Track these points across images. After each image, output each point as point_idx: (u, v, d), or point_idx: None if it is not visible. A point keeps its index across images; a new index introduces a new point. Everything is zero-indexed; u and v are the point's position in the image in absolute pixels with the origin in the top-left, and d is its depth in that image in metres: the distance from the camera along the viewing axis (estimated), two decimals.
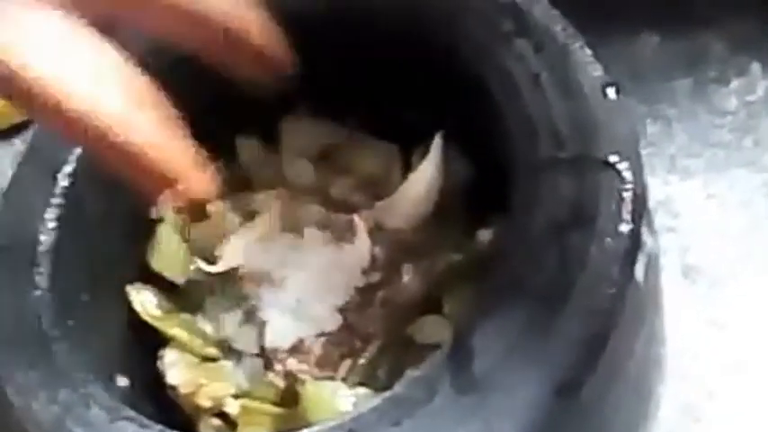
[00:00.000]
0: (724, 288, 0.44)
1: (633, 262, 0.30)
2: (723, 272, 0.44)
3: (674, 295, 0.37)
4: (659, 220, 0.45)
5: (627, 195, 0.31)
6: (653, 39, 0.50)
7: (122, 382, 0.39)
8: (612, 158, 0.31)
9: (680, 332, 0.40)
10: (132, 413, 0.34)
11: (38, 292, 0.37)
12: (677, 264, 0.44)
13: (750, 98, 0.47)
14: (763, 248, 0.44)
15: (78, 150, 0.39)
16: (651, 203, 0.44)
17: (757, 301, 0.43)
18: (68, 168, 0.39)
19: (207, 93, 0.42)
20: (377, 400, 0.33)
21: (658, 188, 0.46)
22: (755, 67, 0.48)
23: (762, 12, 0.48)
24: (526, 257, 0.31)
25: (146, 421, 0.33)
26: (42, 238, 0.38)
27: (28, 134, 0.41)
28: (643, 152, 0.46)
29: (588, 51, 0.34)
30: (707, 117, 0.47)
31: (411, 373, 0.34)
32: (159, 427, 0.33)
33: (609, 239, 0.30)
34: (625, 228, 0.30)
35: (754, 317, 0.43)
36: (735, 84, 0.48)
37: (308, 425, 0.32)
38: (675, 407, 0.41)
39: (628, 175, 0.31)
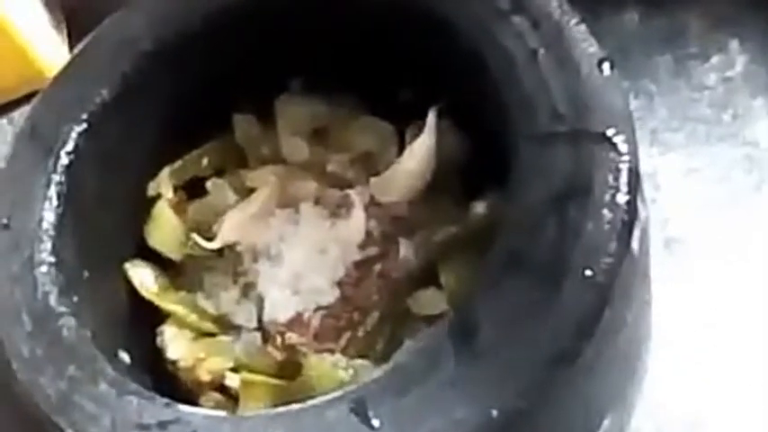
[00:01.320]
0: (702, 259, 0.45)
1: (630, 233, 0.31)
2: (702, 244, 0.45)
3: (655, 266, 0.38)
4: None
5: (623, 167, 0.32)
6: (635, 16, 0.51)
7: (124, 357, 0.39)
8: (609, 132, 0.32)
9: (659, 302, 0.41)
10: (137, 387, 0.34)
11: (43, 268, 0.37)
12: (658, 235, 0.45)
13: (729, 74, 0.48)
14: (742, 221, 0.45)
15: (78, 128, 0.40)
16: None
17: (733, 272, 0.44)
18: (69, 146, 0.40)
19: (203, 70, 0.42)
20: (379, 371, 0.34)
21: (642, 161, 0.47)
22: (734, 43, 0.49)
23: None
24: (525, 229, 0.31)
25: (151, 394, 0.34)
26: (45, 214, 0.38)
27: (27, 109, 0.41)
28: None
29: (583, 28, 0.34)
30: (687, 92, 0.48)
31: (413, 345, 0.35)
32: (164, 399, 0.33)
33: (606, 211, 0.31)
34: (622, 199, 0.31)
35: (730, 287, 0.44)
36: (714, 60, 0.49)
37: (309, 397, 0.33)
38: (659, 371, 0.42)
39: (624, 147, 0.32)
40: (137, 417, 0.33)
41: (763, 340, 0.44)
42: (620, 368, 0.35)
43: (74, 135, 0.40)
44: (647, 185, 0.46)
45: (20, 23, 0.55)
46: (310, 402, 0.32)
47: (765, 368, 0.43)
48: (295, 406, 0.32)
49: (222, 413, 0.34)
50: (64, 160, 0.39)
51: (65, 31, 0.61)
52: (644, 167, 0.47)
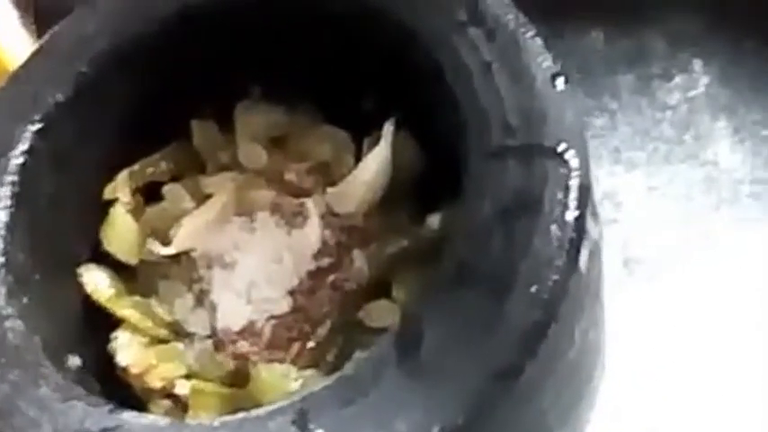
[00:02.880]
0: (662, 280, 0.45)
1: (578, 250, 0.31)
2: (662, 264, 0.45)
3: (614, 285, 0.38)
4: (603, 211, 0.46)
5: (573, 183, 0.31)
6: (600, 35, 0.51)
7: (74, 361, 0.39)
8: (560, 147, 0.32)
9: (617, 321, 0.41)
10: (83, 392, 0.34)
11: None
12: (618, 254, 0.45)
13: (691, 94, 0.49)
14: (701, 242, 0.45)
15: (32, 127, 0.39)
16: (596, 194, 0.46)
17: (693, 293, 0.44)
18: (22, 146, 0.39)
19: (163, 73, 0.42)
20: (326, 381, 0.33)
21: (603, 179, 0.47)
22: (697, 63, 0.49)
23: (703, 10, 0.49)
24: (473, 243, 0.31)
25: (96, 400, 0.33)
26: None
27: None
28: (590, 143, 0.48)
29: (539, 41, 0.34)
30: (650, 111, 0.49)
31: (359, 355, 0.35)
32: (109, 405, 0.33)
33: (554, 227, 0.31)
34: (570, 216, 0.31)
35: (690, 309, 0.44)
36: (677, 79, 0.49)
37: (258, 406, 0.33)
38: (614, 390, 0.42)
39: (574, 163, 0.32)
40: (79, 423, 0.33)
41: (720, 359, 0.44)
42: (569, 385, 0.35)
43: (27, 135, 0.39)
44: (608, 204, 0.47)
45: None
46: (254, 412, 0.32)
47: (722, 386, 0.43)
48: (238, 415, 0.32)
49: (165, 420, 0.33)
50: (17, 160, 0.39)
51: (34, 31, 0.60)
52: (605, 186, 0.47)
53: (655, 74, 0.49)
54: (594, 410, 0.39)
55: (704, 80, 0.49)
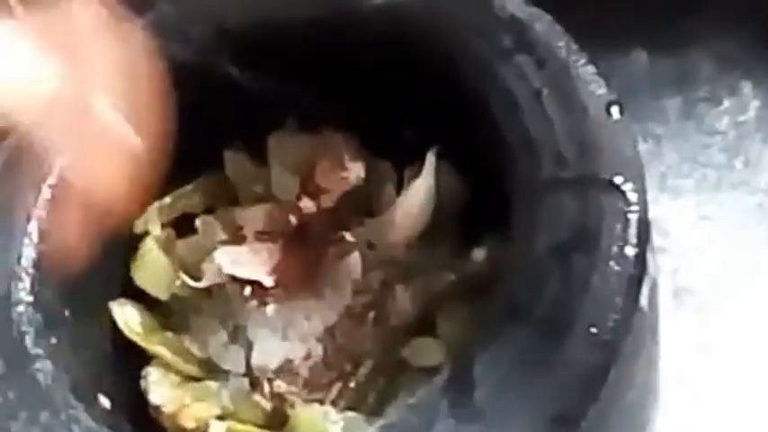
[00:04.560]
0: (713, 311, 0.43)
1: (639, 288, 0.29)
2: (712, 295, 0.43)
3: (664, 317, 0.37)
4: None
5: (632, 217, 0.30)
6: (643, 56, 0.49)
7: (104, 402, 0.37)
8: (617, 179, 0.31)
9: (668, 355, 0.40)
10: None
11: (20, 308, 0.36)
12: (667, 285, 0.43)
13: (741, 118, 0.47)
14: (753, 272, 0.44)
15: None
16: None
17: (745, 325, 0.43)
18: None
19: (195, 104, 0.41)
20: (370, 425, 0.32)
21: (650, 207, 0.45)
22: (746, 86, 0.48)
23: (751, 30, 0.48)
24: (527, 281, 0.30)
25: None
26: (25, 251, 0.37)
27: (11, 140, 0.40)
28: None
29: (591, 68, 0.33)
30: (697, 136, 0.47)
31: (407, 400, 0.34)
32: None
33: (613, 263, 0.29)
34: (631, 251, 0.29)
35: (741, 341, 0.42)
36: (726, 103, 0.48)
37: None
38: (666, 426, 0.40)
39: (633, 196, 0.30)
40: None
41: None
42: (625, 428, 0.33)
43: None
44: (654, 233, 0.45)
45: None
46: None
47: None
48: None
49: None
50: (47, 194, 0.38)
51: None
52: (652, 214, 0.46)
53: (701, 97, 0.48)
54: None
55: (754, 104, 0.47)
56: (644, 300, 0.30)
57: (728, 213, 0.45)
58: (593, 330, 0.28)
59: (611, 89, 0.33)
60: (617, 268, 0.29)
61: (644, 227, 0.30)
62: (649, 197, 0.45)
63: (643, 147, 0.47)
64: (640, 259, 0.29)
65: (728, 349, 0.43)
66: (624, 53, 0.50)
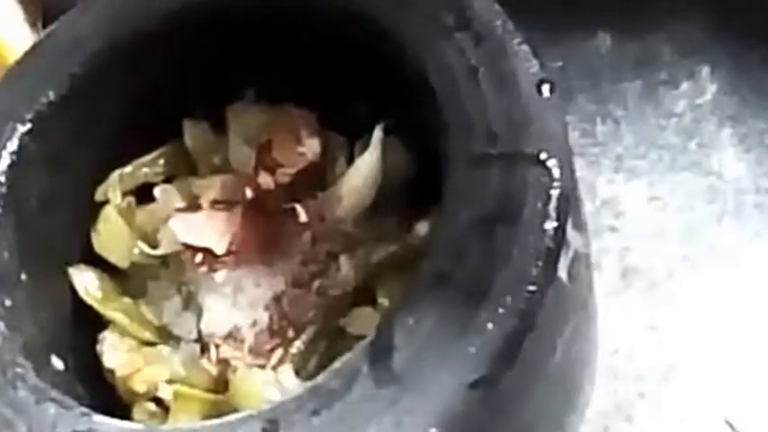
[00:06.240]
0: (660, 290, 0.44)
1: (556, 260, 0.30)
2: (660, 274, 0.44)
3: (611, 295, 0.37)
4: (602, 219, 0.45)
5: (554, 193, 0.31)
6: (607, 39, 0.50)
7: (58, 363, 0.38)
8: (542, 155, 0.31)
9: (615, 332, 0.40)
10: (58, 395, 0.34)
11: None
12: (616, 264, 0.44)
13: (698, 101, 0.48)
14: (701, 252, 0.44)
15: (23, 127, 0.39)
16: (596, 202, 0.45)
17: (692, 304, 0.43)
18: (12, 146, 0.39)
19: (156, 74, 0.42)
20: (300, 389, 0.33)
21: (604, 187, 0.46)
22: (704, 70, 0.48)
23: (711, 15, 0.48)
24: (450, 252, 0.31)
25: (70, 403, 0.33)
26: None
27: None
28: (591, 151, 0.47)
29: (526, 48, 0.34)
30: (654, 119, 0.48)
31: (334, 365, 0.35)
32: (82, 409, 0.33)
33: (533, 237, 0.30)
34: (549, 225, 0.30)
35: (689, 320, 0.43)
36: (684, 86, 0.48)
37: (236, 412, 0.32)
38: (608, 405, 0.41)
39: (556, 172, 0.31)
40: (51, 425, 0.32)
41: (720, 371, 0.43)
42: (554, 396, 0.34)
43: (18, 135, 0.39)
44: (608, 212, 0.46)
45: None
46: (225, 418, 0.32)
47: (722, 396, 0.42)
48: (209, 422, 0.32)
49: (138, 426, 0.33)
50: (6, 160, 0.39)
51: (40, 29, 0.60)
52: (606, 194, 0.46)
53: (660, 80, 0.48)
54: (585, 423, 0.38)
55: (711, 88, 0.47)
56: (562, 272, 0.30)
57: (680, 194, 0.45)
58: (508, 299, 0.29)
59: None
60: (535, 241, 0.30)
61: (565, 202, 0.31)
62: (605, 178, 0.47)
63: (602, 128, 0.48)
64: (559, 233, 0.30)
65: (675, 329, 0.44)
66: (589, 37, 0.50)
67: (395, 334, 0.30)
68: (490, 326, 0.29)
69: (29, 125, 0.39)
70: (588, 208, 0.42)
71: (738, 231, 0.44)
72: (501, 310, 0.29)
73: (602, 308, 0.37)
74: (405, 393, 0.29)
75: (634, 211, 0.45)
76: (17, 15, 0.58)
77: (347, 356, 0.31)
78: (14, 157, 0.39)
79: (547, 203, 0.30)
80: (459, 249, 0.31)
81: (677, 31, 0.48)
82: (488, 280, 0.30)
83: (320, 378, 0.31)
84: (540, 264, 0.30)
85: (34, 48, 0.42)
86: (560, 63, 0.49)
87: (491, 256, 0.30)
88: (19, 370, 0.35)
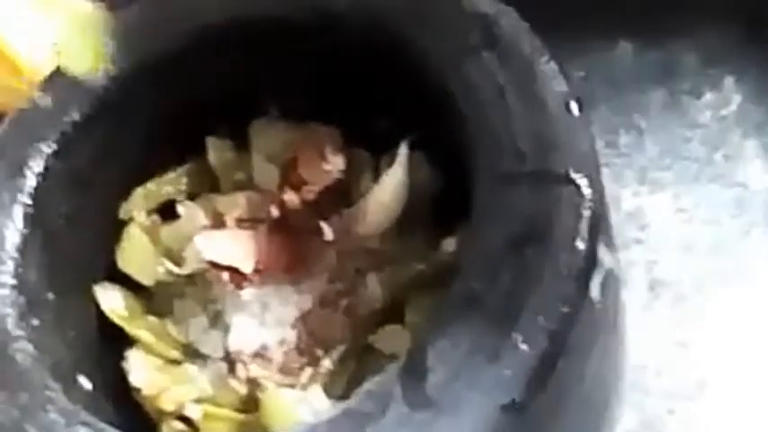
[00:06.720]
0: (688, 303, 0.43)
1: (588, 280, 0.30)
2: (688, 287, 0.44)
3: (639, 309, 0.37)
4: (627, 232, 0.45)
5: (585, 212, 0.31)
6: (629, 48, 0.49)
7: (85, 383, 0.38)
8: (572, 174, 0.31)
9: (644, 347, 0.40)
10: (89, 418, 0.34)
11: (3, 291, 0.37)
12: (643, 277, 0.44)
13: (723, 112, 0.47)
14: (728, 265, 0.44)
15: (48, 148, 0.39)
16: (620, 215, 0.45)
17: (722, 319, 0.43)
18: (37, 166, 0.39)
19: (180, 92, 0.42)
20: (333, 411, 0.33)
21: (628, 200, 0.46)
22: (729, 80, 0.48)
23: (735, 25, 0.48)
24: (481, 272, 0.31)
25: (101, 425, 0.33)
26: (8, 234, 0.38)
27: None
28: (615, 162, 0.47)
29: (554, 65, 0.33)
30: (679, 129, 0.47)
31: (366, 386, 0.34)
32: (111, 430, 0.33)
33: (564, 256, 0.30)
34: (581, 245, 0.30)
35: (717, 333, 0.43)
36: (708, 97, 0.48)
37: None
38: (636, 421, 0.41)
39: (587, 191, 0.31)
40: None
41: (750, 385, 0.42)
42: (584, 415, 0.34)
43: (43, 155, 0.39)
44: (633, 225, 0.46)
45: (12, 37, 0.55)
46: None
47: (754, 411, 0.42)
48: None
49: None
50: (31, 181, 0.39)
51: None
52: (630, 206, 0.46)
53: (684, 90, 0.48)
54: None
55: (736, 98, 0.47)
56: (595, 292, 0.30)
57: (706, 207, 0.45)
58: (541, 320, 0.29)
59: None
60: (567, 260, 0.30)
61: (596, 221, 0.30)
62: (629, 190, 0.46)
63: (625, 139, 0.48)
64: (591, 252, 0.30)
65: (703, 342, 0.43)
66: (611, 46, 0.50)
67: (428, 356, 0.30)
68: (524, 347, 0.29)
69: (54, 146, 0.39)
70: (613, 220, 0.42)
71: (765, 243, 0.44)
72: (534, 332, 0.29)
73: (629, 322, 0.37)
74: (439, 417, 0.29)
75: (660, 223, 0.45)
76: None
77: (379, 378, 0.31)
78: (40, 178, 0.39)
79: (578, 222, 0.30)
80: (490, 269, 0.30)
81: (701, 40, 0.48)
82: (520, 300, 0.30)
83: (353, 400, 0.31)
84: (572, 283, 0.29)
85: (58, 68, 0.42)
86: (583, 73, 0.48)
87: (523, 276, 0.30)
88: (48, 393, 0.34)
